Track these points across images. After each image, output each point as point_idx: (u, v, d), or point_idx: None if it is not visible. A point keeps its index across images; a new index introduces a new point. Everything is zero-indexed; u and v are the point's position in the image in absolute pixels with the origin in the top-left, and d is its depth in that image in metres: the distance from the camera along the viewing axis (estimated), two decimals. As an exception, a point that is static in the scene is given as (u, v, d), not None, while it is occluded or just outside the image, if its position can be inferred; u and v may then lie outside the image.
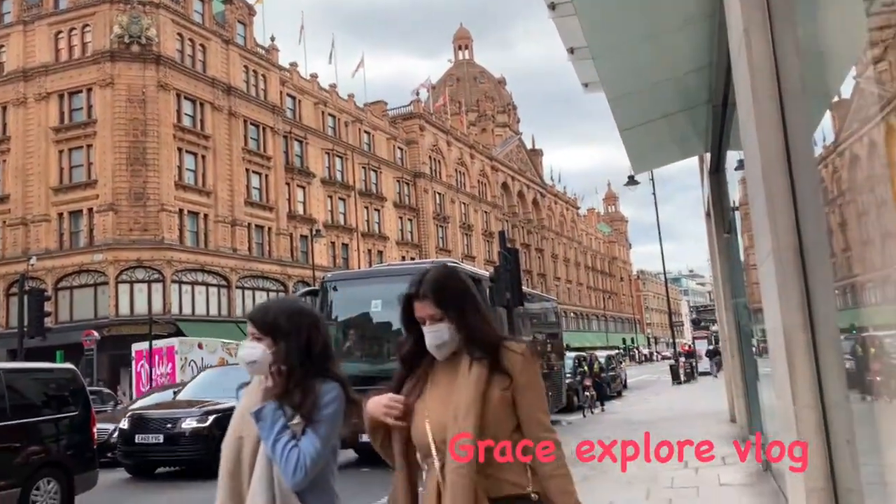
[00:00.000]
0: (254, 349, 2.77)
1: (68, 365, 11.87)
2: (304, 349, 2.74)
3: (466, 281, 2.73)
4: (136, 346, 27.50)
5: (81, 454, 10.26)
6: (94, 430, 10.83)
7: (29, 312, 19.21)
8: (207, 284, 39.63)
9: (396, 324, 12.79)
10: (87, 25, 38.46)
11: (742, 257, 9.02)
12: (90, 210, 36.99)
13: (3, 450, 9.09)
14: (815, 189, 4.23)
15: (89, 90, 37.83)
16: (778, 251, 4.24)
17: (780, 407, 4.84)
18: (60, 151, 38.13)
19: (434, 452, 2.48)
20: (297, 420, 2.64)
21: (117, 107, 37.06)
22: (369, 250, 54.02)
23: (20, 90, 38.84)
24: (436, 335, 2.56)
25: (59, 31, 39.02)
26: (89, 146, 37.52)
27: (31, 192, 38.09)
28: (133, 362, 28.05)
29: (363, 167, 54.74)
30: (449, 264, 12.67)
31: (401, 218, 59.31)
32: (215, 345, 27.75)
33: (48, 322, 20.90)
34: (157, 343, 26.46)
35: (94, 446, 10.85)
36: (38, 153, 38.11)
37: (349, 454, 14.42)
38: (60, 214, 37.71)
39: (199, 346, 27.23)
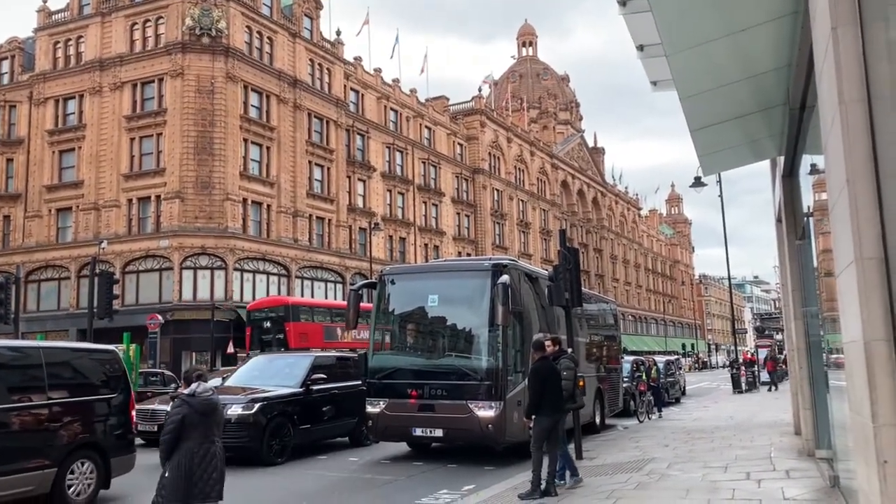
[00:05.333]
0: None
1: (110, 346, 11.52)
2: None
3: None
4: None
5: (119, 437, 10.06)
6: (134, 413, 10.65)
7: (98, 294, 19.88)
8: (268, 273, 40.41)
9: (451, 319, 12.77)
10: (160, 17, 39.58)
11: (815, 265, 8.69)
12: (158, 197, 38.12)
13: (39, 429, 8.91)
14: (905, 197, 4.01)
15: (161, 80, 38.95)
16: (861, 261, 4.05)
17: (856, 423, 4.63)
18: (132, 139, 39.39)
19: None
20: None
21: (187, 97, 38.05)
22: (426, 245, 54.24)
23: (96, 79, 40.27)
24: None
25: (135, 23, 40.28)
26: (159, 135, 38.65)
27: (103, 178, 39.49)
28: None
29: (423, 162, 54.97)
30: (507, 261, 12.58)
31: (458, 213, 59.35)
32: None
33: (116, 304, 21.58)
34: None
35: (133, 429, 10.67)
36: (111, 141, 39.47)
37: (402, 447, 14.50)
38: (130, 200, 38.96)
39: None
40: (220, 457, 6.27)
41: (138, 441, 16.32)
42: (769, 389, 33.24)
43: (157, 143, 38.75)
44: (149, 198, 38.56)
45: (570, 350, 12.39)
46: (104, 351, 10.79)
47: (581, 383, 12.48)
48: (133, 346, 18.92)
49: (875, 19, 4.12)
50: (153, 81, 39.24)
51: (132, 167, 39.18)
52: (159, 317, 30.22)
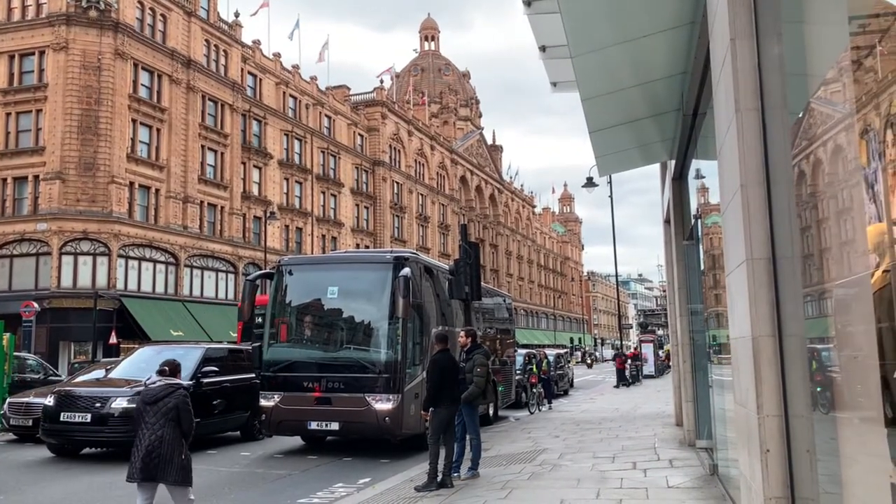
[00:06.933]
0: None
1: None
2: None
3: None
4: None
5: None
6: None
7: (-33, 279, 18.45)
8: (155, 261, 38.71)
9: (351, 311, 12.63)
10: (43, -14, 37.12)
11: (702, 264, 9.15)
12: (36, 177, 35.74)
13: None
14: (791, 203, 4.27)
15: (42, 53, 36.50)
16: (751, 261, 4.28)
17: (741, 415, 4.90)
18: (8, 114, 36.71)
19: None
20: None
21: (71, 72, 35.86)
22: (323, 236, 53.50)
23: (-32, 48, 37.31)
24: None
25: (13, -10, 37.58)
26: (39, 111, 36.21)
27: (-27, 154, 36.65)
28: None
29: (322, 151, 54.14)
30: (408, 254, 12.54)
31: (357, 205, 58.87)
32: None
33: (-13, 290, 20.15)
34: None
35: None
36: (-16, 115, 36.68)
37: (296, 441, 14.27)
38: (4, 180, 36.32)
39: None
40: (166, 442, 6.77)
41: (10, 436, 15.45)
42: (617, 386, 33.22)
43: (36, 120, 36.29)
44: (26, 177, 36.07)
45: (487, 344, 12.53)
46: None
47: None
48: (7, 336, 17.69)
49: (769, 33, 4.36)
50: (33, 54, 36.69)
51: (7, 144, 36.52)
52: (35, 304, 28.31)
